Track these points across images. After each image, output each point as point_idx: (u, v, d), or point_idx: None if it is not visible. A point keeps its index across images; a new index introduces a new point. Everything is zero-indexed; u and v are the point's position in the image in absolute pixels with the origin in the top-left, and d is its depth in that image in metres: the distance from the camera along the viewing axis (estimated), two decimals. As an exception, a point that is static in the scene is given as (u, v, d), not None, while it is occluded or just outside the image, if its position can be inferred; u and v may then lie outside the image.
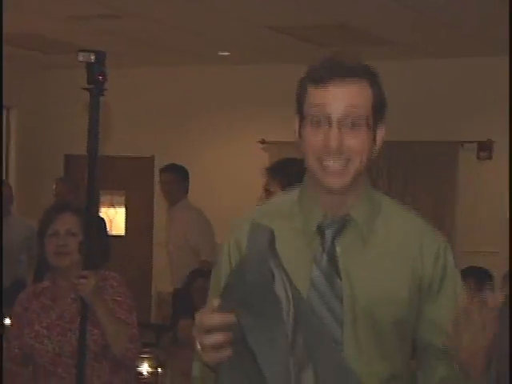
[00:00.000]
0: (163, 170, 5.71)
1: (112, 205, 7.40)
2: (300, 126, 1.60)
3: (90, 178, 2.36)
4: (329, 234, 1.57)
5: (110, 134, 6.38)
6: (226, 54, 6.81)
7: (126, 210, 7.47)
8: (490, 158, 6.80)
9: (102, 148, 2.52)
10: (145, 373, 3.14)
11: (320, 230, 1.57)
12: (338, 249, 1.57)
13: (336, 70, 1.54)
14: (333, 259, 1.56)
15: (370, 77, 1.56)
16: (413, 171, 7.00)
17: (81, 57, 2.20)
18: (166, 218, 5.87)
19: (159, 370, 3.29)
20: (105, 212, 7.07)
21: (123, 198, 7.47)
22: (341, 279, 1.55)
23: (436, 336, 1.55)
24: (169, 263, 5.56)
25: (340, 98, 1.53)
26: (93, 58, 2.17)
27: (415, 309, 1.56)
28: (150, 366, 3.18)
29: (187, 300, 4.35)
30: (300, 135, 1.60)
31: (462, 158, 6.88)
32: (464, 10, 5.17)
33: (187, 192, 5.46)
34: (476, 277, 4.50)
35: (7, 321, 3.14)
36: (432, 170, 6.97)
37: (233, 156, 7.39)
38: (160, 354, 3.74)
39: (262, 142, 7.32)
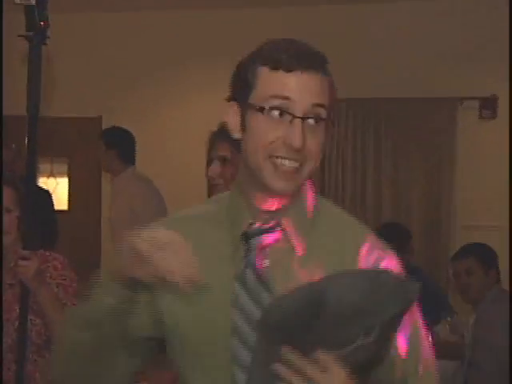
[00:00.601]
0: (99, 136, 5.75)
1: (52, 175, 7.38)
2: (243, 117, 1.59)
3: (30, 144, 2.36)
4: (254, 243, 1.60)
5: (52, 90, 6.32)
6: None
7: (69, 180, 7.47)
8: (493, 116, 6.88)
9: (43, 108, 2.51)
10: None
11: (246, 239, 1.60)
12: (266, 261, 1.60)
13: (301, 58, 1.54)
14: (260, 273, 1.59)
15: (327, 72, 1.59)
16: (405, 133, 7.10)
17: None
18: (110, 191, 5.88)
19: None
20: (43, 183, 7.05)
21: (66, 167, 7.46)
22: (270, 294, 1.57)
23: None
24: (114, 241, 5.57)
25: (307, 91, 1.54)
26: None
27: None
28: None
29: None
30: (244, 128, 1.59)
31: (461, 117, 6.96)
32: None
33: (133, 160, 5.49)
34: (479, 255, 4.64)
35: None
36: (427, 132, 7.03)
37: (196, 117, 7.33)
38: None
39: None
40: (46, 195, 4.00)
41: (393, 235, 4.83)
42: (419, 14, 6.91)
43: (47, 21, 2.23)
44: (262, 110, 1.54)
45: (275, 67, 1.54)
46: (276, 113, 1.54)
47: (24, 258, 2.43)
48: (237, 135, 1.62)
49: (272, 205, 1.60)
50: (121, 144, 5.56)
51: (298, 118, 1.53)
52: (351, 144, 7.12)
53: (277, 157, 1.54)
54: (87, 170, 7.35)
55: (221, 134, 2.99)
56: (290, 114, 1.52)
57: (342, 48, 6.84)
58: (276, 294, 1.54)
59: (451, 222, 6.80)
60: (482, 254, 4.69)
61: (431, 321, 4.70)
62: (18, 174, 3.64)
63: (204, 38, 7.24)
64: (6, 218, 2.71)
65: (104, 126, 6.86)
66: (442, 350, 4.45)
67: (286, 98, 1.53)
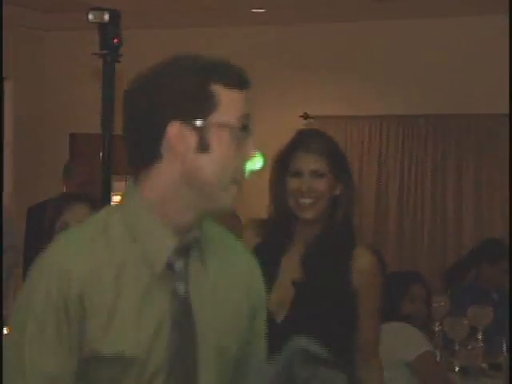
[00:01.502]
0: None
1: (125, 193, 7.53)
2: (202, 141, 1.54)
3: (105, 161, 2.41)
4: (179, 266, 1.59)
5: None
6: (261, 11, 6.88)
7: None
8: None
9: (117, 125, 2.57)
10: None
11: (170, 263, 1.57)
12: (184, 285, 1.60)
13: (244, 78, 1.60)
14: (186, 300, 1.60)
15: None
16: (484, 150, 7.13)
17: (92, 16, 2.20)
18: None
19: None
20: (118, 201, 7.18)
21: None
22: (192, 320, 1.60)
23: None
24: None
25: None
26: (107, 17, 2.17)
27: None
28: None
29: None
30: (203, 148, 1.55)
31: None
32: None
33: None
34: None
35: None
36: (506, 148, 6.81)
37: (268, 134, 7.33)
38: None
39: (305, 116, 7.40)
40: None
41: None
42: (495, 31, 6.89)
43: (120, 38, 2.27)
44: (232, 130, 1.55)
45: (232, 86, 1.56)
46: (241, 133, 1.56)
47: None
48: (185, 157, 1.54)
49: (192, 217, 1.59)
50: None
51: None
52: (430, 161, 7.17)
53: (239, 179, 1.59)
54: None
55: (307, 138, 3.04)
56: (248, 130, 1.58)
57: (419, 66, 6.98)
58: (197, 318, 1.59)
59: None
60: None
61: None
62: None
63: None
64: None
65: None
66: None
67: (248, 117, 1.58)
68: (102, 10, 2.21)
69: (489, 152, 7.03)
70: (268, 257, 2.55)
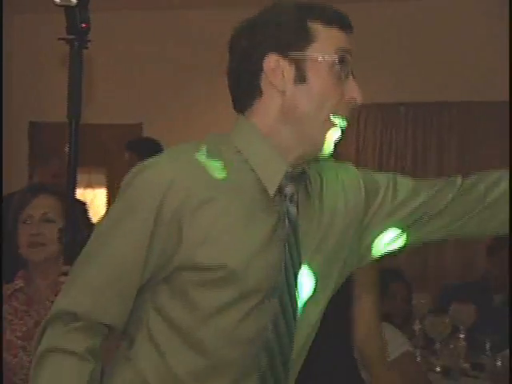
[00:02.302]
0: (125, 148, 5.70)
1: (90, 185, 7.46)
2: (299, 69, 1.66)
3: (72, 152, 2.39)
4: (290, 190, 1.72)
5: (90, 96, 6.43)
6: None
7: (108, 191, 7.55)
8: None
9: (82, 114, 2.54)
10: None
11: (281, 187, 1.70)
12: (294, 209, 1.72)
13: (347, 20, 1.72)
14: (293, 222, 1.72)
15: None
16: (466, 139, 7.17)
17: None
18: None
19: None
20: (81, 194, 7.13)
21: (103, 177, 7.55)
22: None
23: None
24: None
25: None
26: (74, 0, 2.13)
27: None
28: None
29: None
30: (301, 80, 1.67)
31: None
32: None
33: None
34: None
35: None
36: (489, 136, 7.07)
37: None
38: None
39: None
40: (85, 207, 4.08)
41: None
42: (484, 13, 6.92)
43: (88, 23, 2.23)
44: (329, 62, 1.66)
45: (329, 24, 1.68)
46: (338, 67, 1.67)
47: (65, 274, 2.48)
48: (283, 88, 1.67)
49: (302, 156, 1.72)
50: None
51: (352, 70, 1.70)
52: (411, 148, 7.20)
53: (336, 113, 1.69)
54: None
55: None
56: (351, 67, 1.69)
57: (399, 53, 6.96)
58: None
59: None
60: None
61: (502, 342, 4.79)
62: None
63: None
64: (47, 228, 2.76)
65: (145, 134, 6.93)
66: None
67: (348, 52, 1.69)
68: (69, -8, 2.16)
69: (470, 140, 7.07)
70: None
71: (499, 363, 4.65)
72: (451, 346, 4.82)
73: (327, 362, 2.84)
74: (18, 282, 2.84)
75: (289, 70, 1.67)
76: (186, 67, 7.23)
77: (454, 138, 7.09)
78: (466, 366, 4.79)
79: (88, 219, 3.92)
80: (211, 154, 1.68)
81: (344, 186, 1.87)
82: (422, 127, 7.14)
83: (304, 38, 1.67)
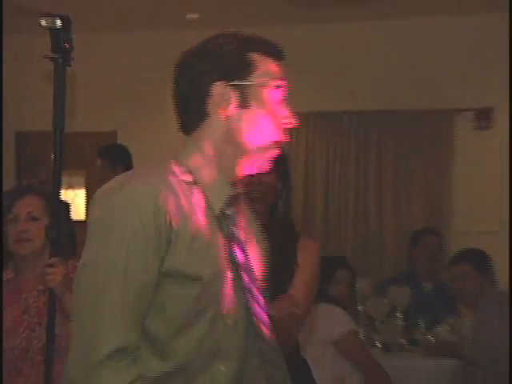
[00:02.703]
0: (96, 155, 5.49)
1: (71, 186, 7.40)
2: (243, 98, 1.68)
3: (57, 157, 2.37)
4: (231, 213, 1.73)
5: (73, 107, 6.39)
6: (195, 16, 6.85)
7: (87, 191, 7.47)
8: (489, 127, 6.89)
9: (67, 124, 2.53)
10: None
11: (223, 210, 1.71)
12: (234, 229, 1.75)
13: (280, 51, 1.77)
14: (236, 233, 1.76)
15: None
16: (403, 145, 7.16)
17: (44, 22, 2.16)
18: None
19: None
20: (63, 194, 7.08)
21: (83, 179, 7.49)
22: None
23: None
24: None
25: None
26: (59, 23, 2.13)
27: None
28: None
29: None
30: (245, 105, 1.68)
31: (457, 128, 6.99)
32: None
33: None
34: (475, 261, 4.73)
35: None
36: (424, 143, 7.10)
37: None
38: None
39: None
40: (68, 207, 4.05)
41: None
42: (417, 29, 6.96)
43: (71, 43, 2.22)
44: (269, 89, 1.69)
45: (268, 54, 1.71)
46: (276, 93, 1.71)
47: (50, 266, 2.46)
48: (228, 113, 1.67)
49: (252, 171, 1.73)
50: (128, 160, 5.46)
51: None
52: (354, 155, 7.19)
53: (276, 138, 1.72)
54: (104, 182, 7.40)
55: None
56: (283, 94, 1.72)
57: (343, 62, 6.97)
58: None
59: (450, 228, 6.88)
60: (478, 259, 4.76)
61: (434, 321, 4.92)
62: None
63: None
64: (32, 226, 2.76)
65: (119, 141, 6.90)
66: (443, 349, 4.63)
67: (283, 79, 1.72)
68: (54, 16, 2.18)
69: (407, 146, 7.15)
70: None
71: (432, 339, 4.80)
72: (390, 325, 4.88)
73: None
74: (8, 273, 2.83)
75: (233, 97, 1.67)
76: (157, 80, 7.22)
77: (391, 144, 7.12)
78: (403, 341, 4.84)
79: (70, 217, 3.90)
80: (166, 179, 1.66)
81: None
82: (363, 134, 7.14)
83: (245, 68, 1.68)
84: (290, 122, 1.72)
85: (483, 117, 6.85)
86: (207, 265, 1.64)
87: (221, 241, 1.69)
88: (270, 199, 2.81)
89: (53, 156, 2.38)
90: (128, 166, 4.98)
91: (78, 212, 7.40)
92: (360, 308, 4.96)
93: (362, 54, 7.03)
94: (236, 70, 1.68)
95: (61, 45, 2.20)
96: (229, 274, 1.68)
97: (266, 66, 1.70)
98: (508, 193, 6.00)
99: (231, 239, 1.72)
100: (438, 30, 6.93)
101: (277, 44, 1.76)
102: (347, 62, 6.96)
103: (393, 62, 6.96)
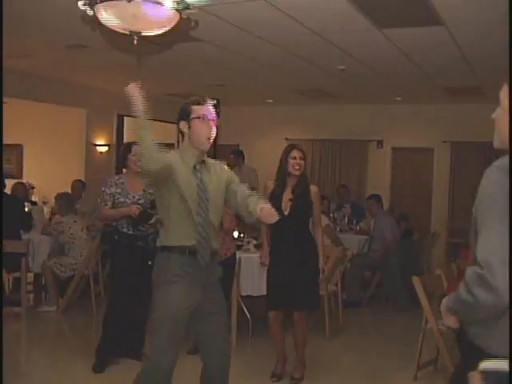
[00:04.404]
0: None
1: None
2: (189, 124, 3.45)
3: None
4: (198, 167, 3.50)
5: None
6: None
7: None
8: (382, 148, 10.91)
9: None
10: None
11: (195, 167, 3.47)
12: (201, 175, 3.48)
13: (206, 101, 3.56)
14: (203, 177, 3.51)
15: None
16: (343, 163, 10.51)
17: None
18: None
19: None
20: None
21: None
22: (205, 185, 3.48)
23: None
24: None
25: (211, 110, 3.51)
26: None
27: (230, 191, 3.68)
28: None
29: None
30: (190, 128, 3.46)
31: (369, 149, 10.84)
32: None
33: None
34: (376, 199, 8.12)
35: None
36: (354, 160, 10.62)
37: (268, 148, 10.91)
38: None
39: (286, 139, 10.98)
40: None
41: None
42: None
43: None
44: (199, 118, 3.44)
45: (198, 104, 3.51)
46: (202, 119, 3.49)
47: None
48: (186, 131, 3.47)
49: (205, 149, 3.48)
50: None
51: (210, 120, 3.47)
52: (310, 167, 10.61)
53: (207, 139, 3.49)
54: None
55: (294, 145, 5.09)
56: (208, 120, 3.49)
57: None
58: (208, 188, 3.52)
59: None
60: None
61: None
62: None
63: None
64: None
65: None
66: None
67: (207, 113, 3.52)
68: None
69: (337, 163, 10.45)
70: (278, 192, 5.02)
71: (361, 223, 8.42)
72: (342, 221, 8.77)
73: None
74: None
75: (186, 125, 3.46)
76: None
77: (326, 163, 10.79)
78: (347, 228, 8.58)
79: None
80: (177, 153, 3.47)
81: (219, 169, 3.57)
82: (318, 155, 10.85)
83: (190, 113, 3.45)
84: (210, 132, 3.47)
85: (379, 144, 10.83)
86: (187, 193, 3.40)
87: (194, 180, 3.37)
88: (302, 170, 4.90)
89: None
90: None
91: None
92: (331, 215, 8.76)
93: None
94: (186, 115, 3.44)
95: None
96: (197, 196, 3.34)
97: (198, 110, 3.42)
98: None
99: (200, 179, 3.42)
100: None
101: (204, 97, 3.46)
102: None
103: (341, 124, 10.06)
